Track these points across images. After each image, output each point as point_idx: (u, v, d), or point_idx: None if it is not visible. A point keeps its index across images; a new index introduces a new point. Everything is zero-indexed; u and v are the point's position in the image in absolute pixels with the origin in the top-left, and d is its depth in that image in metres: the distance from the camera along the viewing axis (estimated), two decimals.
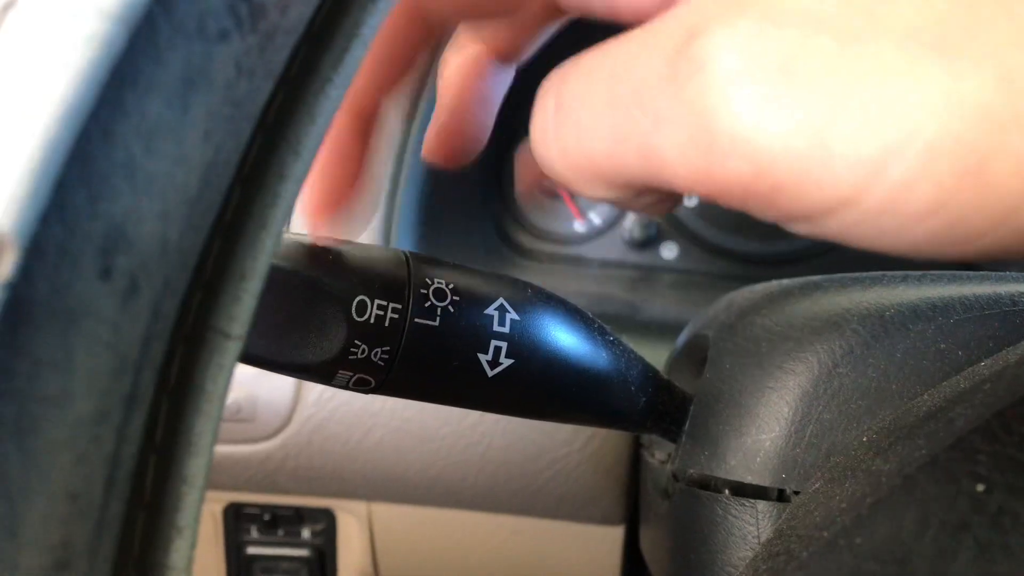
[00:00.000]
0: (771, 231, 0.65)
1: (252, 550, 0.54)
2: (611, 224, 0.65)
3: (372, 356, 0.22)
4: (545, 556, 0.48)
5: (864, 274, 0.30)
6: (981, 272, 0.29)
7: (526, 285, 0.26)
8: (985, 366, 0.24)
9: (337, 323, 0.21)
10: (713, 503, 0.28)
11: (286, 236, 0.23)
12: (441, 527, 0.49)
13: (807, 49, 0.14)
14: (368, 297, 0.22)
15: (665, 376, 0.30)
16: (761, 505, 0.27)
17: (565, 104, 0.17)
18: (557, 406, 0.25)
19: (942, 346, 0.26)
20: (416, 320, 0.22)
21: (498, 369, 0.23)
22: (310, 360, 0.22)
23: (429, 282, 0.23)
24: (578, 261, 0.65)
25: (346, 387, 0.23)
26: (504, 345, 0.23)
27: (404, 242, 0.50)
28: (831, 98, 0.13)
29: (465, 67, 0.25)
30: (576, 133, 0.17)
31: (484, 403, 0.25)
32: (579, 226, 0.66)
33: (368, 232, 0.47)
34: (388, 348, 0.22)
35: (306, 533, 0.53)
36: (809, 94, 0.14)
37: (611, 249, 0.65)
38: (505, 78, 0.26)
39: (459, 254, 0.57)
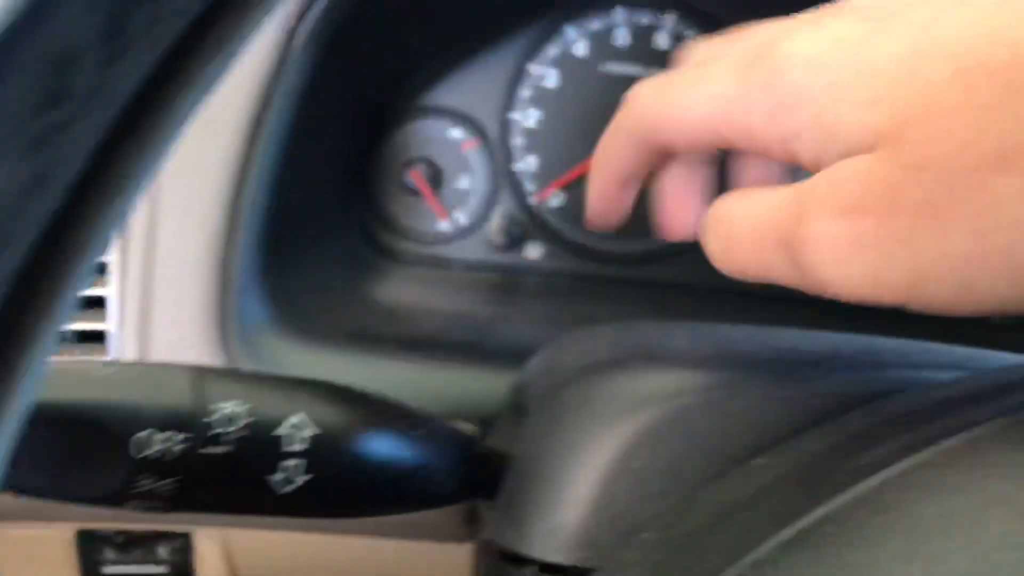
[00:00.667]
0: (633, 230, 0.66)
1: (108, 570, 0.53)
2: (477, 224, 0.66)
3: (158, 488, 0.22)
4: (400, 573, 0.50)
5: (684, 331, 0.32)
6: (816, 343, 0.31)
7: (333, 391, 0.26)
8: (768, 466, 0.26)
9: (117, 460, 0.21)
10: None
11: (66, 365, 0.22)
12: (299, 549, 0.50)
13: (862, 230, 0.22)
14: (151, 430, 0.22)
15: (482, 441, 0.31)
16: None
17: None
18: (358, 510, 0.26)
19: (736, 430, 0.28)
20: (202, 451, 0.22)
21: (291, 487, 0.24)
22: (95, 494, 0.22)
23: (215, 408, 0.23)
24: (442, 262, 0.66)
25: (140, 510, 0.23)
26: (301, 463, 0.24)
27: (250, 250, 0.49)
28: (880, 258, 0.22)
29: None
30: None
31: (282, 515, 0.25)
32: (444, 226, 0.66)
33: (205, 242, 0.45)
34: (175, 479, 0.22)
35: (163, 551, 0.53)
36: (866, 259, 0.22)
37: (476, 249, 0.66)
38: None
39: (318, 258, 0.57)
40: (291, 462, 0.24)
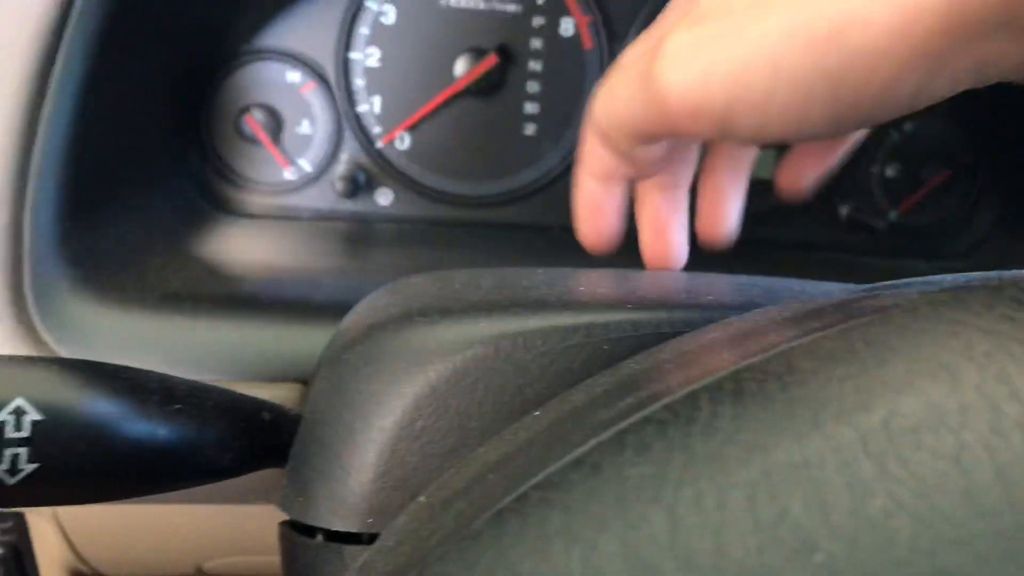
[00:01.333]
0: (483, 173, 0.64)
1: None
2: (322, 171, 0.63)
3: None
4: (237, 534, 0.48)
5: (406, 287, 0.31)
6: (582, 300, 0.30)
7: (62, 367, 0.24)
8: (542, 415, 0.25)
9: None
10: (307, 547, 0.28)
11: None
12: (135, 520, 0.48)
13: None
14: None
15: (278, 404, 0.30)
16: (350, 549, 0.27)
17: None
18: (111, 492, 0.24)
19: (520, 382, 0.27)
20: None
21: (19, 476, 0.22)
22: None
23: None
24: (289, 212, 0.63)
25: None
26: (23, 451, 0.22)
27: (46, 208, 0.45)
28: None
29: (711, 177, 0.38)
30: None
31: (21, 505, 0.23)
32: (287, 174, 0.63)
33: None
34: None
35: None
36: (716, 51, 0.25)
37: (323, 198, 0.63)
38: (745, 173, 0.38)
39: (137, 215, 0.53)
40: (14, 451, 0.22)
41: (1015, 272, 0.21)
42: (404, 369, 0.27)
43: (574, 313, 0.28)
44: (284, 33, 0.61)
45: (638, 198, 0.38)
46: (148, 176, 0.55)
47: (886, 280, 0.24)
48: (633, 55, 0.30)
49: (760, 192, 0.43)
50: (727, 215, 0.37)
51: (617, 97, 0.29)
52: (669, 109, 0.26)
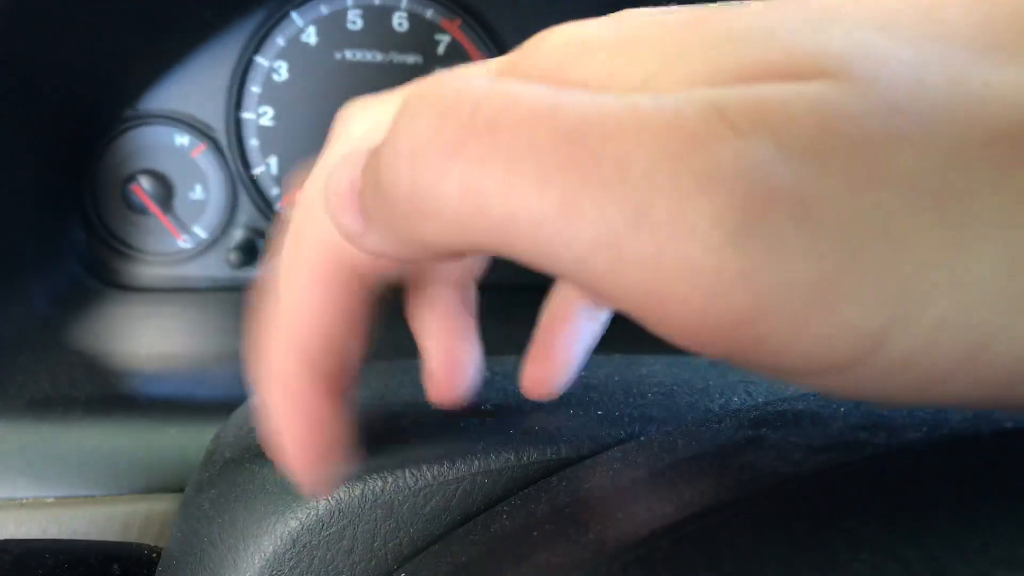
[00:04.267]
0: None
1: None
2: (218, 238, 0.59)
3: None
4: None
5: None
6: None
7: None
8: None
9: None
10: None
11: None
12: None
13: (819, 186, 0.12)
14: None
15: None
16: None
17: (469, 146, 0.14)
18: None
19: (391, 526, 0.24)
20: None
21: None
22: None
23: None
24: (183, 283, 0.59)
25: None
26: None
27: None
28: (841, 251, 0.12)
29: (558, 309, 0.26)
30: (502, 179, 0.13)
31: None
32: (182, 242, 0.59)
33: None
34: None
35: None
36: (817, 242, 0.12)
37: (221, 267, 0.60)
38: (597, 324, 0.27)
39: (19, 304, 0.49)
40: None
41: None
42: (260, 519, 0.24)
43: (451, 442, 0.25)
44: (171, 95, 0.58)
45: (422, 317, 0.26)
46: (22, 259, 0.51)
47: None
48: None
49: None
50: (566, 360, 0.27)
51: (558, 186, 0.13)
52: (718, 313, 0.12)
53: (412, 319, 0.26)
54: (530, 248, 0.13)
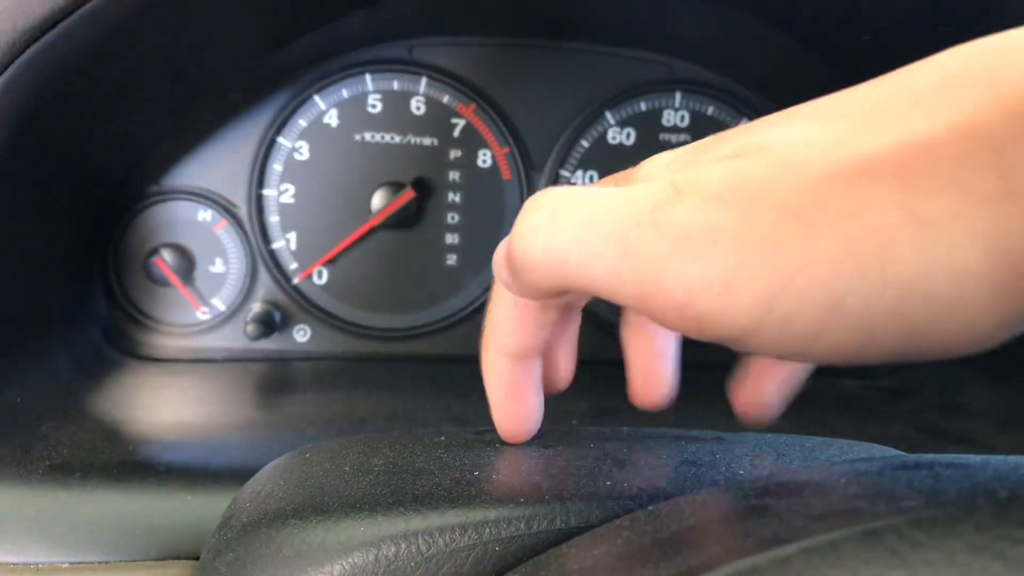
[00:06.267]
0: (404, 305, 0.63)
1: None
2: (236, 310, 0.61)
3: None
4: None
5: None
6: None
7: None
8: None
9: None
10: None
11: None
12: None
13: (721, 218, 0.20)
14: None
15: None
16: None
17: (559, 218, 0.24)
18: None
19: None
20: None
21: None
22: None
23: None
24: (201, 354, 0.60)
25: None
26: None
27: None
28: (737, 255, 0.19)
29: (638, 336, 0.33)
30: (562, 241, 0.23)
31: None
32: (201, 314, 0.61)
33: None
34: None
35: None
36: (722, 252, 0.19)
37: (238, 338, 0.61)
38: (671, 336, 0.33)
39: (42, 372, 0.51)
40: None
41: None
42: None
43: (462, 509, 0.26)
44: (195, 172, 0.60)
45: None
46: (46, 328, 0.52)
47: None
48: (620, 195, 0.23)
49: None
50: (666, 376, 0.32)
51: (588, 239, 0.22)
52: (669, 298, 0.20)
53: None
54: (579, 281, 0.23)
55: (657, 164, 0.26)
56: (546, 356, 0.33)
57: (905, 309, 0.18)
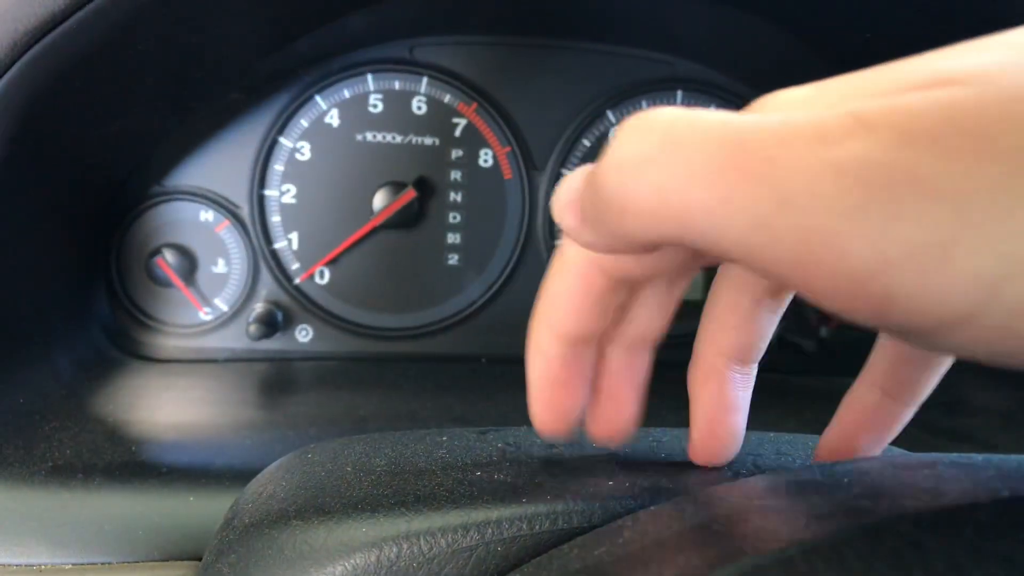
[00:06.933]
0: (406, 305, 0.63)
1: None
2: (238, 310, 0.61)
3: None
4: None
5: None
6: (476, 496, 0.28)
7: None
8: None
9: None
10: None
11: None
12: None
13: (935, 166, 0.15)
14: None
15: None
16: None
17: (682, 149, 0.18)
18: None
19: None
20: None
21: None
22: None
23: None
24: (204, 354, 0.60)
25: None
26: None
27: None
28: (955, 217, 0.14)
29: (708, 381, 0.27)
30: (683, 178, 0.17)
31: None
32: (203, 314, 0.61)
33: None
34: None
35: None
36: (932, 210, 0.14)
37: (240, 338, 0.61)
38: (748, 381, 0.28)
39: (45, 373, 0.51)
40: None
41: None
42: None
43: (464, 510, 0.26)
44: (197, 172, 0.60)
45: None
46: (48, 329, 0.52)
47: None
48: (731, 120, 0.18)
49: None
50: (736, 429, 0.28)
51: (724, 179, 0.17)
52: (847, 266, 0.16)
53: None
54: (703, 233, 0.17)
55: (785, 100, 0.20)
56: (606, 390, 0.29)
57: None
